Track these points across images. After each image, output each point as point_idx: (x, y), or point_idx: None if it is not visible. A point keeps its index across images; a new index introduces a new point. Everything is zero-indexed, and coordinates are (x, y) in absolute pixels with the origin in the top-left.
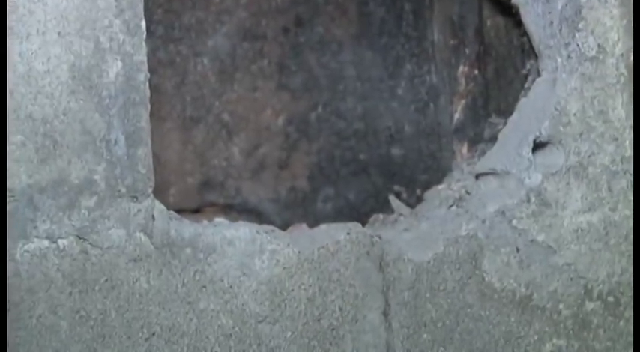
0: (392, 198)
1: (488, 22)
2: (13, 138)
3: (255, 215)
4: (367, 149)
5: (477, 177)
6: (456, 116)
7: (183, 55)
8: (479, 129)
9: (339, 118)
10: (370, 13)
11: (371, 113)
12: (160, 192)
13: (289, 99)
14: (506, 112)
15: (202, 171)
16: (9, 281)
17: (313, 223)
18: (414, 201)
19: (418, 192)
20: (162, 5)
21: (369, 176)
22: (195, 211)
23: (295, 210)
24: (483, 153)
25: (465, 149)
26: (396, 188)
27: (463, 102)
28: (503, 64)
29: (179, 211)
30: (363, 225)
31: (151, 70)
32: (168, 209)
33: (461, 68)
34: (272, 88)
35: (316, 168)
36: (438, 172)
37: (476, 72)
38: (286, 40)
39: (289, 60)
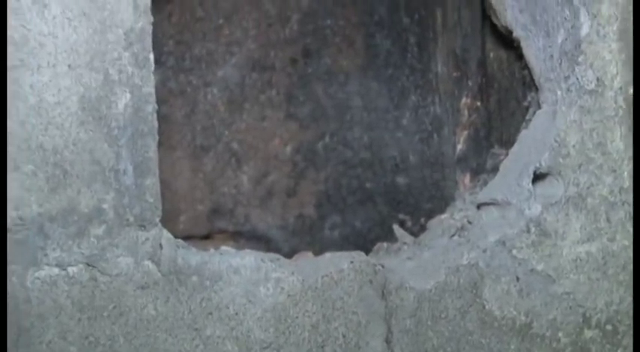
0: (396, 227)
1: (491, 55)
2: (24, 168)
3: (263, 242)
4: (373, 178)
5: (479, 207)
6: (459, 146)
7: (194, 85)
8: (481, 160)
9: (346, 148)
10: (376, 45)
11: (377, 143)
12: (170, 219)
13: (297, 129)
14: (508, 143)
15: (212, 199)
16: (20, 307)
17: (320, 250)
18: (418, 229)
19: (422, 220)
20: (174, 37)
21: (374, 204)
22: (204, 238)
23: (303, 237)
24: (485, 183)
25: (467, 179)
26: (401, 216)
27: (466, 133)
28: (505, 96)
29: (189, 237)
30: (368, 252)
31: (162, 100)
32: (178, 236)
33: (464, 100)
34: (280, 117)
35: (323, 196)
36: (442, 201)
37: (478, 103)
38: (294, 71)
39: (297, 90)
